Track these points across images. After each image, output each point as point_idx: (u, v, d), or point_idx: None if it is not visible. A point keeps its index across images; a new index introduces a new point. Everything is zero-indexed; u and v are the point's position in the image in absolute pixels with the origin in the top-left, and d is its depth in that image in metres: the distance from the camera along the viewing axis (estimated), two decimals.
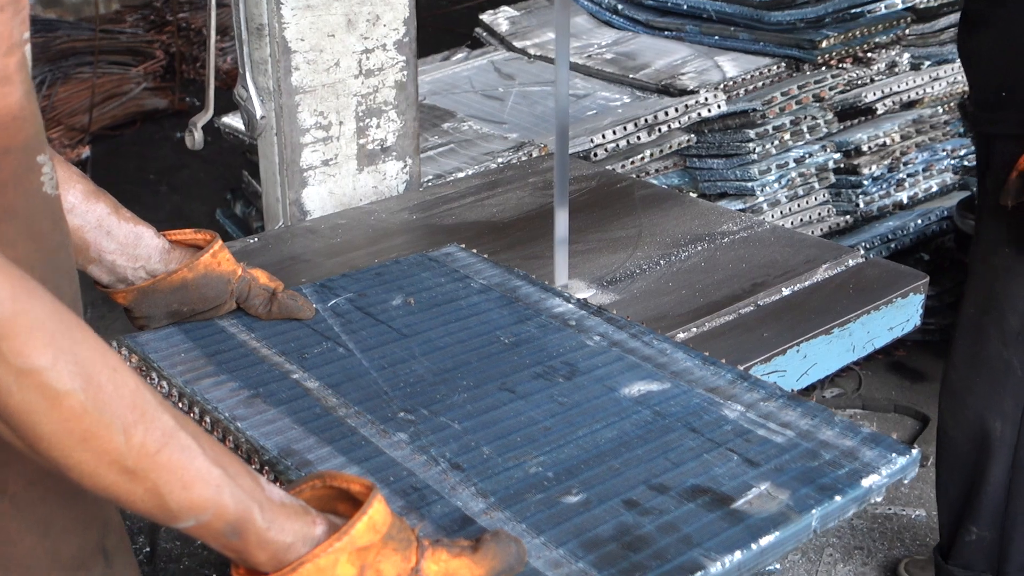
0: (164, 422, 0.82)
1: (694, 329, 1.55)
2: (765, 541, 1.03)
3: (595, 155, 2.88)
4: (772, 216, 3.11)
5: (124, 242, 1.31)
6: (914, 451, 1.17)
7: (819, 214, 3.24)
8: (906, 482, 1.18)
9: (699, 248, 1.81)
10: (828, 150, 3.24)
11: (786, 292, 1.66)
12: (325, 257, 1.79)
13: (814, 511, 1.07)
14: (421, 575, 0.90)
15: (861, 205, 3.30)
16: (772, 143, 3.12)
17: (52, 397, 0.76)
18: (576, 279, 1.69)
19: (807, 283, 1.69)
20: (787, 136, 3.16)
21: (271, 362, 1.35)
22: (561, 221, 1.60)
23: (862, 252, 1.78)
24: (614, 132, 2.92)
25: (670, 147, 3.04)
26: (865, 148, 3.29)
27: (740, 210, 2.74)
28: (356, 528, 0.88)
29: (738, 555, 1.01)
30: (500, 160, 2.71)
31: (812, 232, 3.13)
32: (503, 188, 2.11)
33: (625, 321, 1.44)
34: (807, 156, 3.19)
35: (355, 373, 1.32)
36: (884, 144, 3.33)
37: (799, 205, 3.20)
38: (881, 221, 3.38)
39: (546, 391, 1.28)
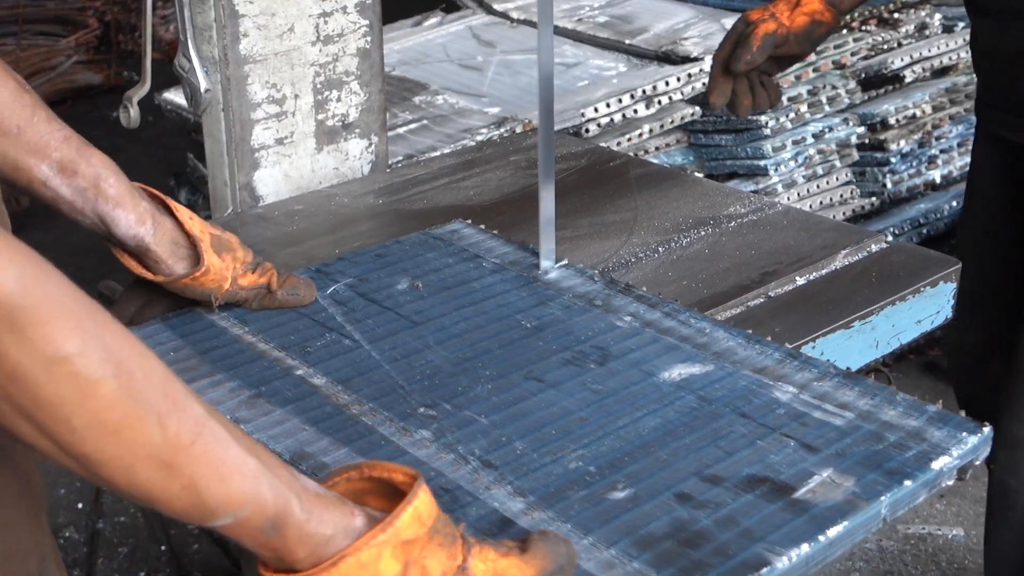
0: (196, 411, 0.84)
1: None
2: (833, 532, 1.05)
3: (586, 131, 2.89)
4: (788, 199, 3.13)
5: (91, 224, 1.35)
6: (986, 429, 1.20)
7: (841, 196, 3.26)
8: (978, 463, 1.21)
9: (702, 233, 1.82)
10: (851, 123, 3.26)
11: (800, 281, 1.67)
12: (280, 247, 1.80)
13: (883, 498, 1.09)
14: (468, 573, 0.92)
15: (889, 185, 3.32)
16: (787, 116, 3.14)
17: (84, 386, 0.77)
18: None
19: (824, 271, 1.70)
20: (804, 108, 3.17)
21: (271, 358, 1.36)
22: (547, 204, 1.61)
23: (888, 236, 1.79)
24: (608, 105, 2.93)
25: (671, 121, 3.05)
26: (892, 121, 3.30)
27: (752, 192, 2.75)
28: (401, 519, 0.89)
29: (805, 548, 1.03)
30: (479, 137, 2.71)
31: (834, 216, 3.14)
32: (481, 168, 2.11)
33: (657, 299, 1.47)
34: (827, 130, 3.20)
35: (365, 367, 1.35)
36: (914, 116, 3.34)
37: (818, 186, 3.21)
38: (911, 203, 3.39)
39: (577, 379, 1.30)
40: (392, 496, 0.94)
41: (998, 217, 2.29)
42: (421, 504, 0.91)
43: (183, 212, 1.39)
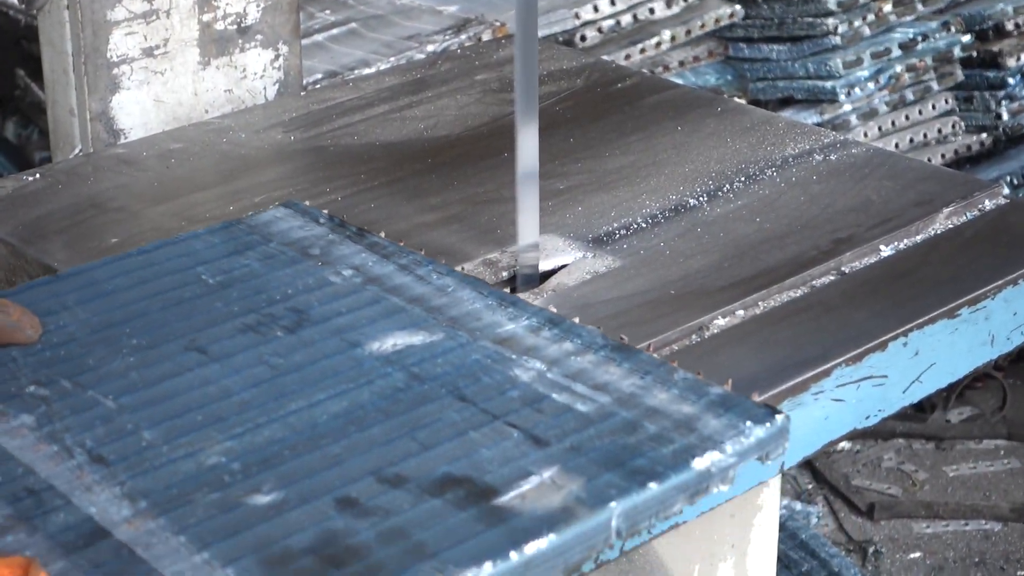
0: None
1: (740, 312, 1.56)
2: (532, 548, 1.11)
3: (583, 39, 2.89)
4: (867, 134, 3.13)
5: None
6: (779, 417, 1.24)
7: (940, 131, 3.26)
8: (775, 471, 1.24)
9: (747, 183, 1.82)
10: (952, 29, 3.26)
11: (886, 252, 1.68)
12: (150, 203, 1.78)
13: (613, 504, 1.15)
14: None
15: (1004, 116, 3.32)
16: (864, 19, 3.13)
17: None
18: (551, 234, 1.69)
19: (919, 238, 1.70)
20: (887, 7, 3.17)
21: None
22: (528, 143, 1.60)
23: (1005, 188, 1.80)
24: (612, 2, 2.92)
25: (701, 25, 3.05)
26: (1010, 26, 3.31)
27: (816, 125, 2.76)
28: None
29: (488, 568, 1.09)
30: (431, 47, 2.70)
31: (930, 160, 3.15)
32: (436, 91, 2.11)
33: (396, 247, 1.54)
34: (919, 39, 3.20)
35: None
36: None
37: (908, 117, 3.21)
38: None
39: (254, 350, 1.38)
40: None
41: None
42: None
43: None
